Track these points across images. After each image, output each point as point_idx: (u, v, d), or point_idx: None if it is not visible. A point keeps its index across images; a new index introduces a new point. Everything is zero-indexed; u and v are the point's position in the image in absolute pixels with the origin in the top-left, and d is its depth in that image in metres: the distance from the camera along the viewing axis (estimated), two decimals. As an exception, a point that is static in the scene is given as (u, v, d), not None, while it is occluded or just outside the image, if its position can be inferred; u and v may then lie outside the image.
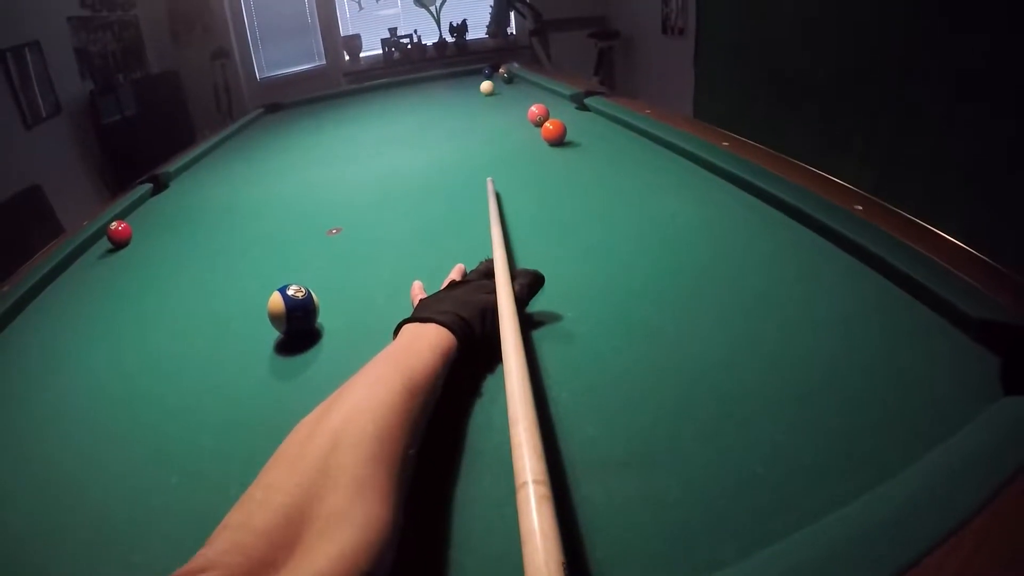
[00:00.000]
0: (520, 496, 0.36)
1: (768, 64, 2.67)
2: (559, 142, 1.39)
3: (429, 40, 4.81)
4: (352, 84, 3.69)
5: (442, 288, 0.68)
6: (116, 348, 0.82)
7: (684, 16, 3.49)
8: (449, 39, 4.78)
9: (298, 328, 0.72)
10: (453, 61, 4.39)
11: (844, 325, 0.63)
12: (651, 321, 0.69)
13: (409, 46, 4.76)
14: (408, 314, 0.62)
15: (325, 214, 1.20)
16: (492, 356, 0.59)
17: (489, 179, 1.12)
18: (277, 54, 4.92)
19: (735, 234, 0.88)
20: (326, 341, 0.72)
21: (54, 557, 0.48)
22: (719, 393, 0.55)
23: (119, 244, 1.19)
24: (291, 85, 4.66)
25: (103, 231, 1.22)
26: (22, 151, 2.96)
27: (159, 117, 3.97)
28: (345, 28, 4.94)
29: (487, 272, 0.70)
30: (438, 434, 0.51)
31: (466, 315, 0.58)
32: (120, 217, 1.34)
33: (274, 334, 0.73)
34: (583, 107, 1.74)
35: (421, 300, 0.65)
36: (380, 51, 4.80)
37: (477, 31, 4.88)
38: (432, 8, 4.77)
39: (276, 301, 0.70)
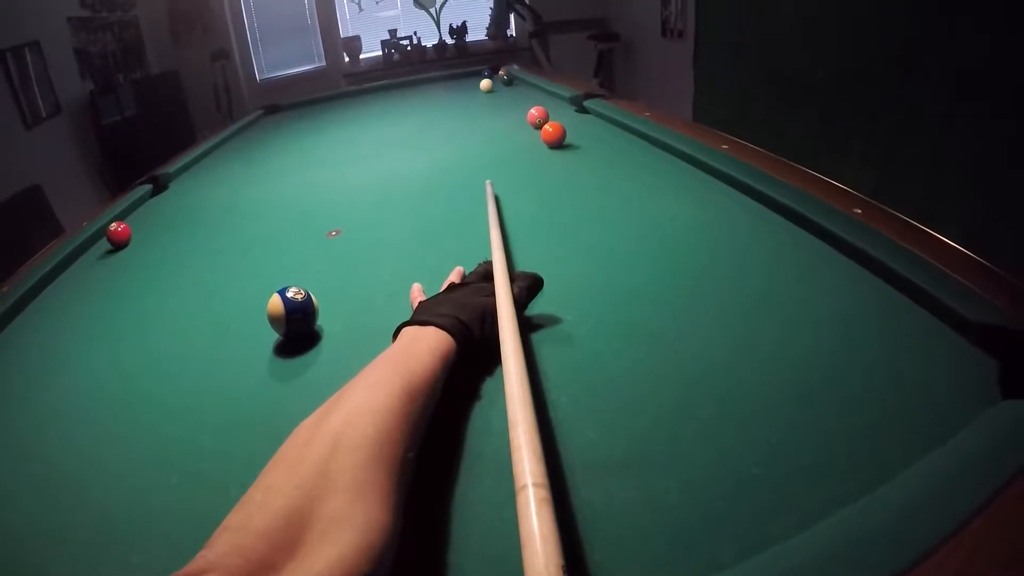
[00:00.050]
0: (520, 499, 0.36)
1: (768, 66, 2.68)
2: (559, 145, 1.39)
3: (429, 42, 4.81)
4: (352, 85, 3.70)
5: (441, 290, 0.68)
6: (116, 348, 0.82)
7: (683, 19, 3.50)
8: (449, 41, 4.79)
9: (297, 330, 0.72)
10: (453, 63, 4.40)
11: (843, 328, 0.63)
12: (650, 323, 0.69)
13: (409, 48, 4.77)
14: (407, 316, 0.62)
15: (325, 216, 1.20)
16: (491, 359, 0.59)
17: (488, 182, 1.12)
18: (277, 55, 4.92)
19: (734, 236, 0.88)
20: (325, 343, 0.72)
21: (54, 557, 0.48)
22: (718, 395, 0.55)
23: (119, 245, 1.19)
24: (291, 86, 4.67)
25: (103, 232, 1.22)
26: (22, 151, 2.97)
27: (159, 118, 3.97)
28: (345, 29, 4.95)
29: (486, 274, 0.70)
30: (438, 437, 0.51)
31: (465, 318, 0.58)
32: (120, 218, 1.34)
33: (273, 335, 0.73)
34: (583, 109, 1.74)
35: (420, 302, 0.65)
36: (380, 53, 4.81)
37: (477, 33, 4.89)
38: (432, 10, 4.78)
39: (275, 303, 0.70)
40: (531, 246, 0.91)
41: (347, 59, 4.90)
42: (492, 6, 4.78)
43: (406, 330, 0.58)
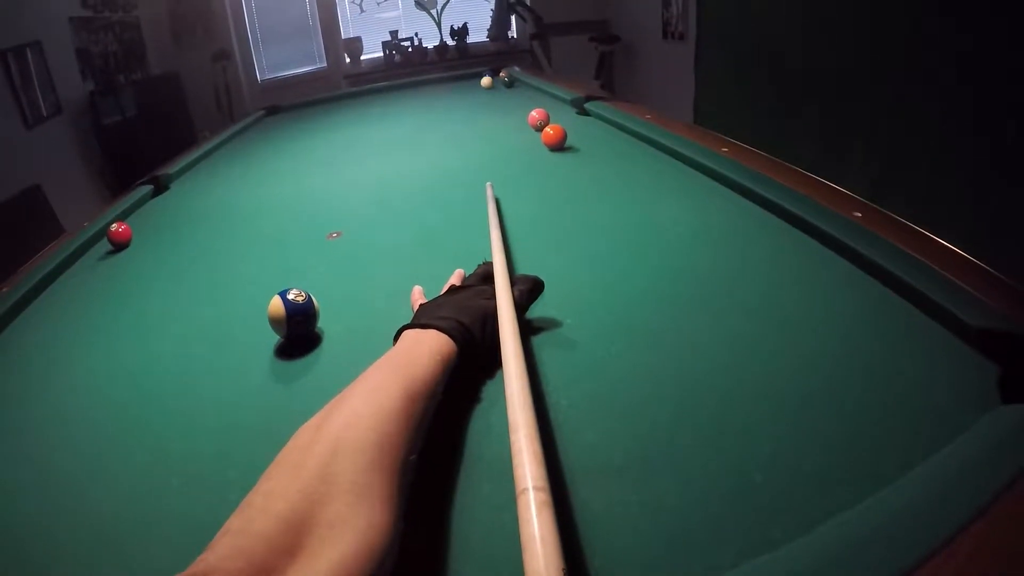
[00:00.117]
0: (520, 502, 0.36)
1: (768, 68, 2.68)
2: (559, 147, 1.39)
3: (430, 43, 4.82)
4: (353, 87, 3.70)
5: (442, 293, 0.68)
6: (116, 349, 0.82)
7: (685, 21, 3.50)
8: (450, 42, 4.79)
9: (298, 332, 0.72)
10: (454, 64, 4.40)
11: (843, 331, 0.64)
12: (650, 327, 0.69)
13: (410, 49, 4.77)
14: (408, 319, 0.62)
15: (325, 217, 1.20)
16: (492, 362, 0.59)
17: (488, 184, 1.12)
18: (278, 56, 4.92)
19: (734, 240, 0.88)
20: (326, 345, 0.73)
21: (54, 559, 0.48)
22: (718, 399, 0.56)
23: (119, 245, 1.19)
24: (292, 87, 4.67)
25: (103, 232, 1.22)
26: (22, 151, 2.97)
27: (159, 118, 3.98)
28: (346, 30, 4.95)
29: (486, 276, 0.70)
30: (438, 440, 0.51)
31: (466, 321, 0.59)
32: (121, 218, 1.34)
33: (274, 337, 0.73)
34: (583, 112, 1.75)
35: (421, 305, 0.65)
36: (381, 54, 4.81)
37: (478, 34, 4.89)
38: (433, 11, 4.78)
39: (276, 305, 0.70)
40: (531, 248, 0.91)
41: (348, 60, 4.90)
42: (493, 8, 4.79)
43: (407, 333, 0.58)
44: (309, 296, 0.72)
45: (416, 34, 4.79)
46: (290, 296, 0.71)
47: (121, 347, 0.83)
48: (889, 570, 0.34)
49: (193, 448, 0.59)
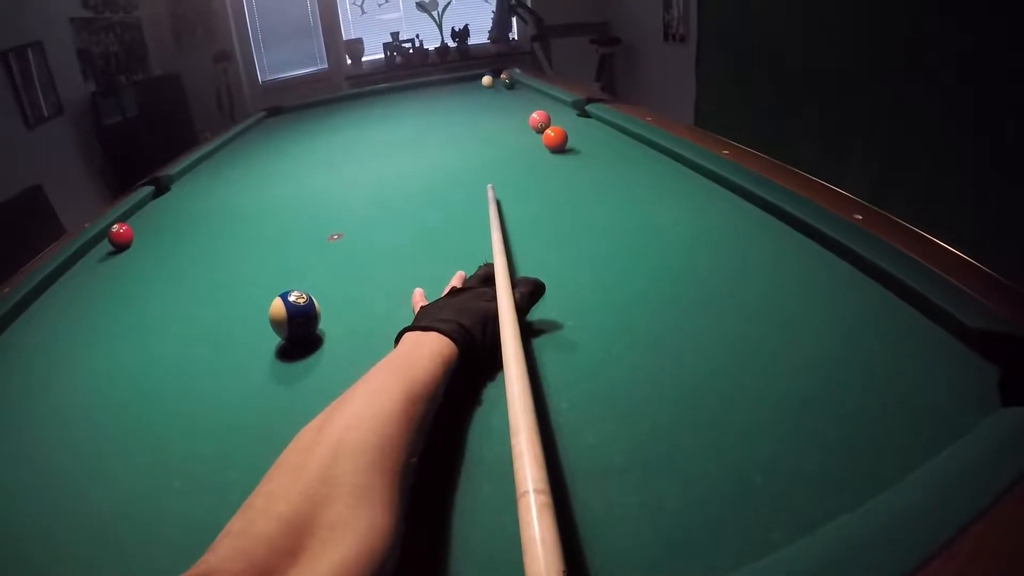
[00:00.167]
0: (521, 505, 0.36)
1: (769, 69, 2.69)
2: (560, 149, 1.39)
3: (431, 45, 4.82)
4: (354, 88, 3.71)
5: (443, 295, 0.68)
6: (117, 350, 0.82)
7: (685, 23, 3.51)
8: (451, 44, 4.80)
9: (299, 334, 0.72)
10: (455, 66, 4.40)
11: (843, 334, 0.64)
12: (651, 329, 0.69)
13: (411, 51, 4.78)
14: (409, 320, 0.62)
15: (326, 218, 1.20)
16: (493, 364, 0.59)
17: (489, 186, 1.12)
18: (279, 57, 4.93)
19: (735, 242, 0.88)
20: (327, 347, 0.73)
21: (54, 559, 0.48)
22: (718, 401, 0.56)
23: (120, 246, 1.19)
24: (293, 88, 4.68)
25: (104, 233, 1.22)
26: (23, 151, 2.97)
27: (160, 119, 3.98)
28: (347, 32, 4.96)
29: (486, 278, 0.70)
30: (439, 442, 0.52)
31: (467, 323, 0.59)
32: (122, 219, 1.34)
33: (275, 339, 0.73)
34: (584, 114, 1.75)
35: (422, 307, 0.65)
36: (382, 55, 4.82)
37: (479, 36, 4.90)
38: (434, 13, 4.79)
39: (278, 307, 0.70)
40: (532, 250, 0.91)
41: (349, 61, 4.90)
42: (494, 10, 4.79)
43: (408, 335, 0.58)
44: (310, 298, 0.72)
45: (417, 35, 4.80)
46: (291, 298, 0.71)
47: (122, 348, 0.83)
48: (889, 572, 0.34)
49: (194, 449, 0.59)
